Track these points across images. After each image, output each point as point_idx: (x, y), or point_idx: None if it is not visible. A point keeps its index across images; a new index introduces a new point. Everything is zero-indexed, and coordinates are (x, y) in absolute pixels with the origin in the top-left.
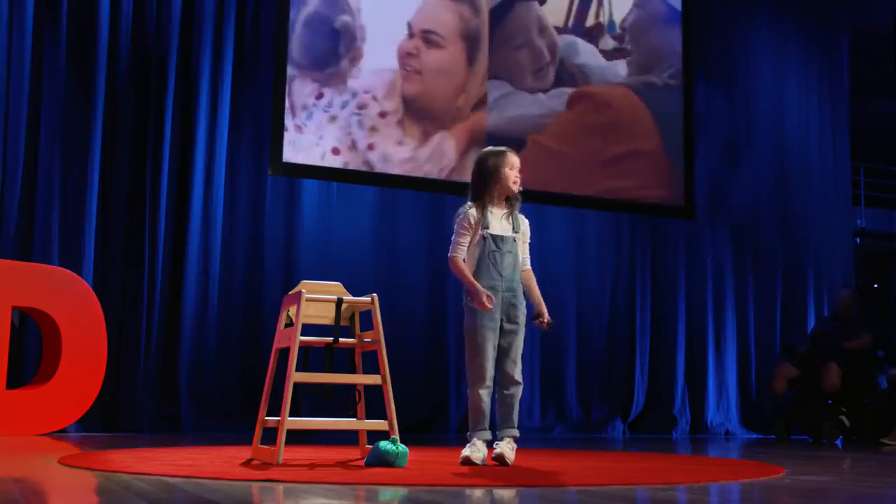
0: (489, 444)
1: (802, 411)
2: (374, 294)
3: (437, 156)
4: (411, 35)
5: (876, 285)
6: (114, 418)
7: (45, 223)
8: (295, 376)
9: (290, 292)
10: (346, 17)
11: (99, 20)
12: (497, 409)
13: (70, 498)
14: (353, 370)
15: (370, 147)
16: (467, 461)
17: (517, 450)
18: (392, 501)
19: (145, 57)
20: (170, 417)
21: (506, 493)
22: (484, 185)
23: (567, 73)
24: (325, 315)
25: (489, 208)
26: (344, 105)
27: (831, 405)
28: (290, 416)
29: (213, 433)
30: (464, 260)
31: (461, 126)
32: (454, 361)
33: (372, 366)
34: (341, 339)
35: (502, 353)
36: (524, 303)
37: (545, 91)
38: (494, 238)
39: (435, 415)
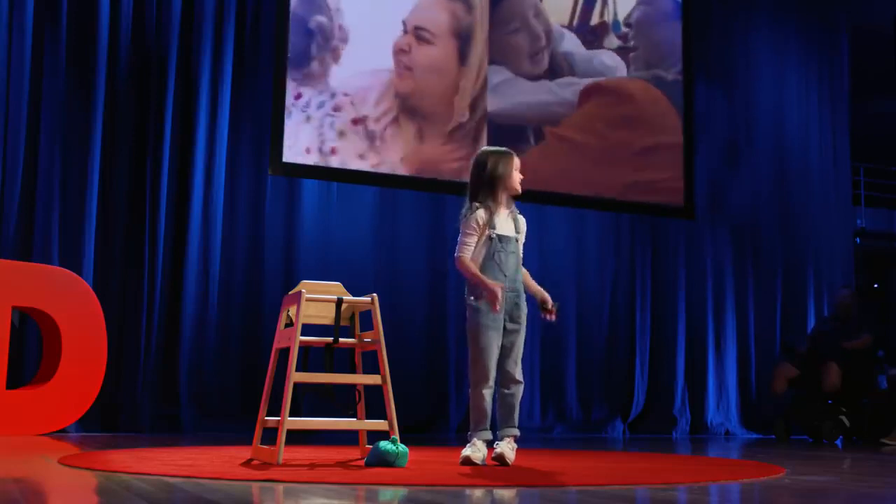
0: (489, 444)
1: (802, 411)
2: (374, 294)
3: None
4: (405, 32)
5: (876, 285)
6: (114, 418)
7: (45, 223)
8: (295, 376)
9: (290, 292)
10: (321, 18)
11: (99, 20)
12: (498, 409)
13: (70, 498)
14: (353, 370)
15: (332, 151)
16: (467, 461)
17: (517, 450)
18: (392, 501)
19: (145, 57)
20: (170, 417)
21: (506, 493)
22: (489, 187)
23: (556, 62)
24: (325, 315)
25: (494, 209)
26: (320, 106)
27: (831, 405)
28: (290, 416)
29: (213, 433)
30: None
31: (456, 122)
32: (454, 361)
33: (372, 366)
34: (341, 339)
35: (504, 353)
36: (526, 303)
37: (537, 78)
38: (500, 238)
39: (435, 415)
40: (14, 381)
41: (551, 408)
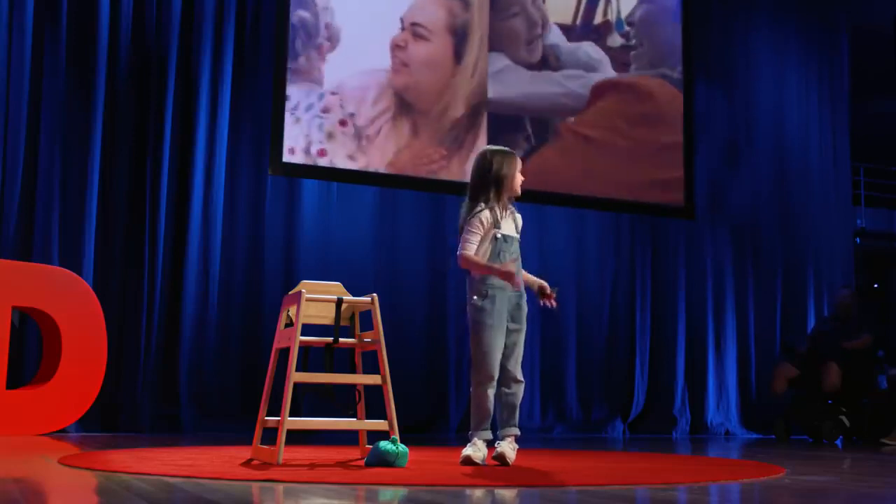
0: (490, 444)
1: (802, 411)
2: (374, 294)
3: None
4: (402, 29)
5: (876, 285)
6: (114, 418)
7: (45, 223)
8: (295, 376)
9: (290, 292)
10: (304, 13)
11: (99, 20)
12: (499, 408)
13: (70, 498)
14: (353, 370)
15: (321, 152)
16: (468, 460)
17: (517, 450)
18: (392, 501)
19: (145, 57)
20: (170, 417)
21: (506, 493)
22: (495, 186)
23: (545, 52)
24: (325, 315)
25: (497, 209)
26: (308, 108)
27: (831, 405)
28: (290, 416)
29: (213, 433)
30: None
31: (451, 119)
32: (454, 361)
33: (372, 366)
34: (341, 339)
35: (506, 353)
36: (527, 303)
37: (532, 67)
38: (505, 238)
39: (435, 415)
40: (14, 381)
41: (551, 408)
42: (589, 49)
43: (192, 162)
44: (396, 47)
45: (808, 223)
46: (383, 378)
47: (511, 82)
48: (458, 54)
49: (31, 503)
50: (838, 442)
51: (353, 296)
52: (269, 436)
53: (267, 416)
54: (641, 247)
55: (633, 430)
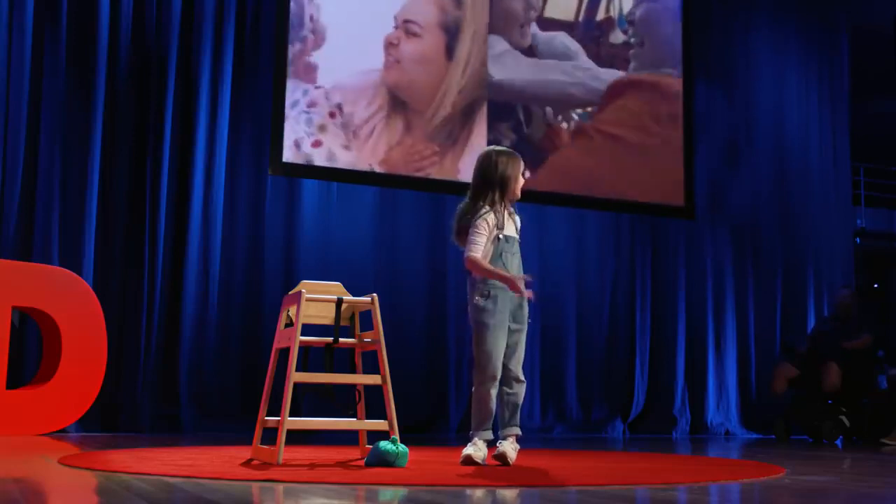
0: (490, 444)
1: (802, 411)
2: (374, 294)
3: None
4: (396, 27)
5: (876, 285)
6: (114, 418)
7: (45, 223)
8: (295, 376)
9: (290, 292)
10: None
11: (99, 20)
12: (500, 408)
13: (70, 498)
14: (353, 370)
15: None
16: (469, 460)
17: (518, 450)
18: (392, 501)
19: (145, 57)
20: (170, 417)
21: (506, 493)
22: (500, 187)
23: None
24: (325, 315)
25: (501, 210)
26: (294, 104)
27: (831, 405)
28: (290, 416)
29: (213, 433)
30: None
31: (442, 116)
32: (454, 361)
33: (372, 366)
34: (341, 339)
35: (507, 353)
36: (528, 303)
37: (525, 52)
38: (507, 239)
39: (435, 415)
40: (14, 381)
41: (551, 408)
42: (564, 39)
43: (192, 162)
44: (389, 45)
45: (808, 223)
46: (383, 378)
47: (510, 67)
48: (451, 50)
49: (31, 503)
50: (838, 442)
51: (353, 296)
52: (269, 436)
53: (267, 416)
54: (641, 247)
55: (633, 430)
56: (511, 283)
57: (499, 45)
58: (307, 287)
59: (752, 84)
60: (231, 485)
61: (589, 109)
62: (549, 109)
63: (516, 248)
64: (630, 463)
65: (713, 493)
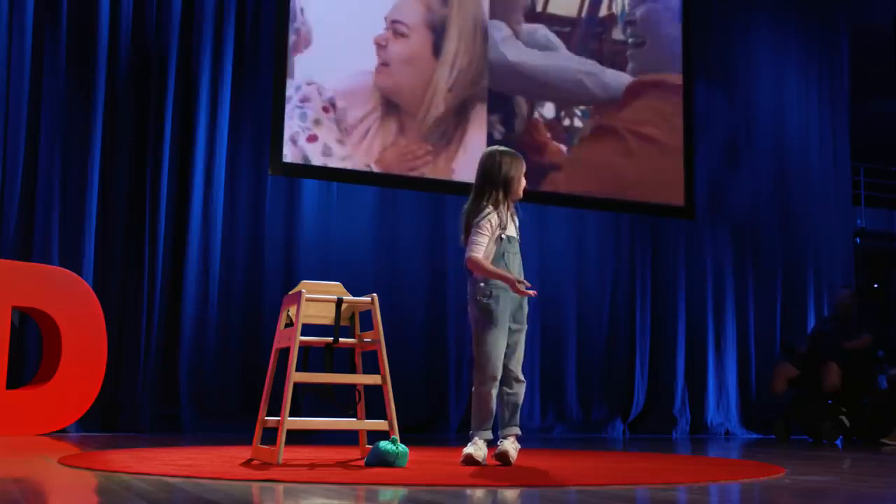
0: (490, 444)
1: (802, 411)
2: (374, 294)
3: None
4: (385, 28)
5: (876, 285)
6: (114, 418)
7: (45, 223)
8: (295, 376)
9: (290, 292)
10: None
11: (99, 20)
12: (500, 408)
13: (70, 498)
14: (353, 370)
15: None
16: (470, 458)
17: (519, 450)
18: (392, 501)
19: (145, 57)
20: (170, 417)
21: (506, 493)
22: (503, 188)
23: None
24: (325, 315)
25: (503, 211)
26: (289, 99)
27: (831, 405)
28: (290, 416)
29: (213, 433)
30: None
31: (434, 115)
32: (454, 361)
33: (372, 366)
34: (341, 339)
35: (507, 353)
36: (528, 303)
37: (527, 41)
38: (509, 239)
39: (435, 415)
40: (14, 381)
41: (551, 408)
42: (547, 32)
43: (192, 162)
44: (378, 46)
45: (808, 223)
46: (383, 378)
47: (512, 52)
48: (438, 49)
49: (31, 503)
50: (838, 442)
51: (353, 296)
52: (269, 436)
53: (267, 416)
54: (641, 247)
55: (633, 430)
56: (512, 284)
57: (499, 31)
58: (307, 287)
59: (752, 84)
60: (231, 485)
61: (591, 107)
62: (549, 105)
63: (517, 248)
64: (630, 463)
65: (713, 493)
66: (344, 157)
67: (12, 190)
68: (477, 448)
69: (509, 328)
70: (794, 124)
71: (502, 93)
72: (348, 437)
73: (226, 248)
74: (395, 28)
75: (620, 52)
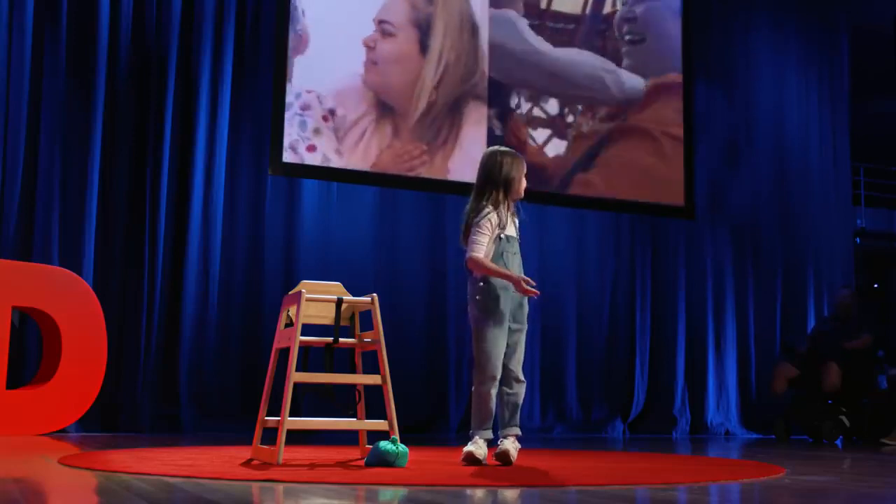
0: (490, 444)
1: (802, 411)
2: (374, 294)
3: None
4: (374, 29)
5: (876, 285)
6: (114, 418)
7: (45, 223)
8: (295, 376)
9: (290, 292)
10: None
11: (99, 20)
12: (500, 408)
13: (70, 498)
14: (353, 370)
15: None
16: (471, 456)
17: (519, 449)
18: (392, 501)
19: (145, 57)
20: (170, 417)
21: (506, 493)
22: (504, 187)
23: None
24: (325, 315)
25: (503, 210)
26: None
27: (831, 405)
28: (290, 416)
29: (213, 433)
30: None
31: (420, 112)
32: (454, 361)
33: (372, 366)
34: (341, 339)
35: (507, 353)
36: (528, 303)
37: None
38: (508, 239)
39: (435, 415)
40: (14, 381)
41: (551, 408)
42: (513, 17)
43: (192, 162)
44: (367, 47)
45: (808, 223)
46: (383, 378)
47: (513, 56)
48: (424, 46)
49: (31, 503)
50: (838, 442)
51: (353, 296)
52: (269, 436)
53: (267, 416)
54: (641, 247)
55: (633, 430)
56: (517, 282)
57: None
58: (307, 287)
59: (752, 84)
60: (231, 485)
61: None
62: (553, 101)
63: (517, 247)
64: (630, 463)
65: (713, 493)
66: (341, 164)
67: (12, 190)
68: (478, 447)
69: (509, 328)
70: (794, 124)
71: (503, 89)
72: (348, 437)
73: (226, 248)
74: (383, 28)
75: (623, 50)
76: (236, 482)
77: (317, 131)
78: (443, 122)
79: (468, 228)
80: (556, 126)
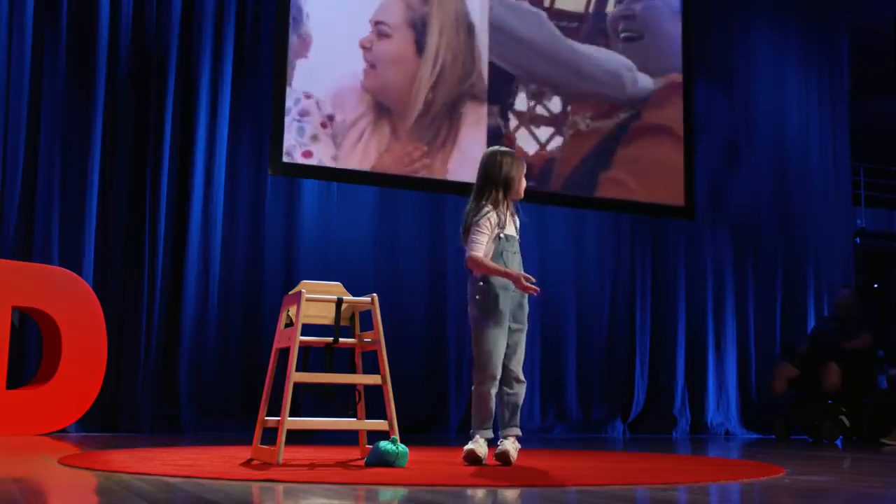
0: (490, 444)
1: (802, 411)
2: (374, 294)
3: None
4: (370, 31)
5: (876, 285)
6: (114, 418)
7: (45, 223)
8: (295, 376)
9: (290, 292)
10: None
11: (99, 20)
12: (500, 409)
13: (70, 498)
14: (353, 370)
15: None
16: (472, 454)
17: (519, 450)
18: (392, 501)
19: (145, 57)
20: (170, 417)
21: (506, 493)
22: (503, 187)
23: None
24: (325, 315)
25: (503, 210)
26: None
27: (831, 405)
28: (290, 416)
29: (213, 433)
30: None
31: (418, 112)
32: (454, 361)
33: (372, 366)
34: (341, 339)
35: (508, 353)
36: (528, 303)
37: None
38: (507, 238)
39: (435, 415)
40: (14, 381)
41: (551, 408)
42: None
43: (192, 162)
44: (364, 49)
45: (808, 223)
46: (383, 378)
47: (515, 53)
48: (420, 46)
49: (31, 503)
50: (838, 442)
51: (353, 296)
52: (269, 436)
53: (267, 416)
54: (641, 247)
55: (633, 430)
56: (515, 279)
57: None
58: (307, 287)
59: (752, 84)
60: (231, 485)
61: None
62: (556, 98)
63: (517, 247)
64: (630, 463)
65: (713, 493)
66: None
67: (12, 190)
68: (479, 446)
69: (510, 328)
70: (794, 124)
71: (504, 87)
72: (348, 437)
73: (226, 248)
74: (379, 29)
75: (625, 48)
76: (236, 482)
77: (314, 138)
78: (441, 122)
79: (468, 228)
80: (559, 124)
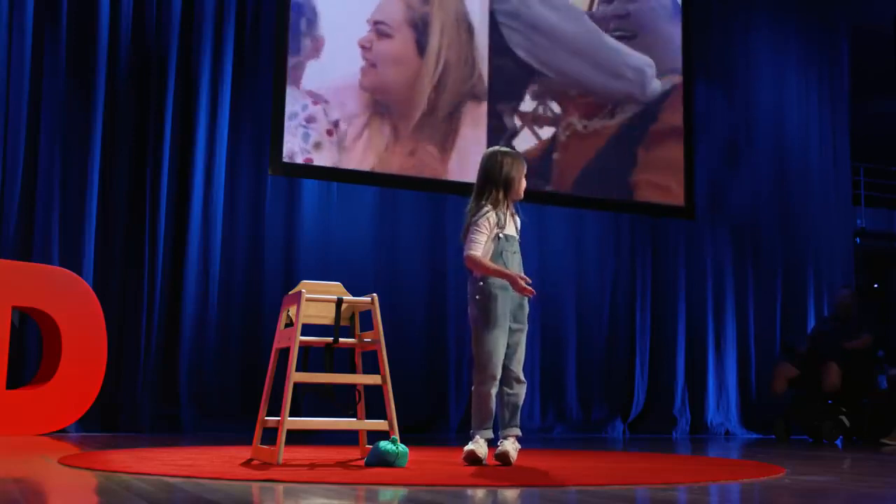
0: (490, 444)
1: (802, 411)
2: (374, 294)
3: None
4: (369, 30)
5: (876, 285)
6: (114, 418)
7: (45, 223)
8: (295, 376)
9: (290, 292)
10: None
11: (99, 20)
12: (500, 409)
13: (70, 498)
14: (353, 370)
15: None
16: (472, 455)
17: (519, 450)
18: (392, 501)
19: (145, 57)
20: (170, 417)
21: (506, 493)
22: (503, 187)
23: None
24: (325, 315)
25: (502, 210)
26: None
27: (831, 405)
28: (290, 416)
29: (213, 433)
30: None
31: (420, 113)
32: (454, 361)
33: (372, 366)
34: (341, 339)
35: (508, 353)
36: (528, 303)
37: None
38: (507, 238)
39: (435, 415)
40: (14, 381)
41: (551, 408)
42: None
43: (192, 162)
44: (363, 48)
45: (808, 223)
46: (383, 378)
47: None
48: (421, 46)
49: (31, 503)
50: (838, 442)
51: (353, 296)
52: (269, 436)
53: (267, 416)
54: (641, 247)
55: (633, 430)
56: (513, 280)
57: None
58: (307, 287)
59: (752, 84)
60: (231, 485)
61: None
62: (554, 104)
63: (516, 247)
64: (630, 463)
65: (713, 493)
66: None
67: (12, 190)
68: (479, 446)
69: (510, 328)
70: (794, 124)
71: (505, 87)
72: (348, 437)
73: (226, 248)
74: (379, 29)
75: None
76: (236, 482)
77: (318, 145)
78: (442, 122)
79: (468, 228)
80: (560, 123)
